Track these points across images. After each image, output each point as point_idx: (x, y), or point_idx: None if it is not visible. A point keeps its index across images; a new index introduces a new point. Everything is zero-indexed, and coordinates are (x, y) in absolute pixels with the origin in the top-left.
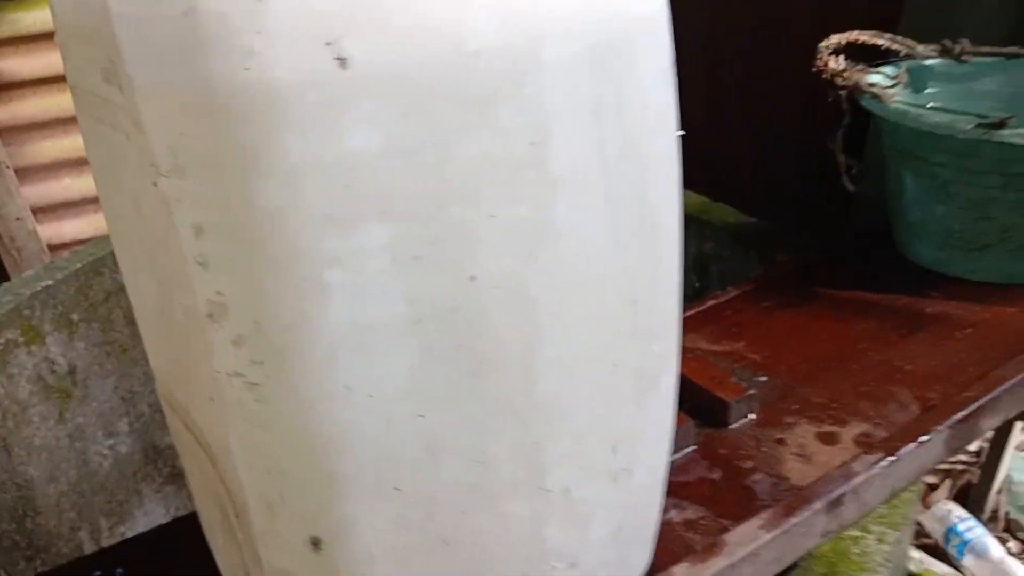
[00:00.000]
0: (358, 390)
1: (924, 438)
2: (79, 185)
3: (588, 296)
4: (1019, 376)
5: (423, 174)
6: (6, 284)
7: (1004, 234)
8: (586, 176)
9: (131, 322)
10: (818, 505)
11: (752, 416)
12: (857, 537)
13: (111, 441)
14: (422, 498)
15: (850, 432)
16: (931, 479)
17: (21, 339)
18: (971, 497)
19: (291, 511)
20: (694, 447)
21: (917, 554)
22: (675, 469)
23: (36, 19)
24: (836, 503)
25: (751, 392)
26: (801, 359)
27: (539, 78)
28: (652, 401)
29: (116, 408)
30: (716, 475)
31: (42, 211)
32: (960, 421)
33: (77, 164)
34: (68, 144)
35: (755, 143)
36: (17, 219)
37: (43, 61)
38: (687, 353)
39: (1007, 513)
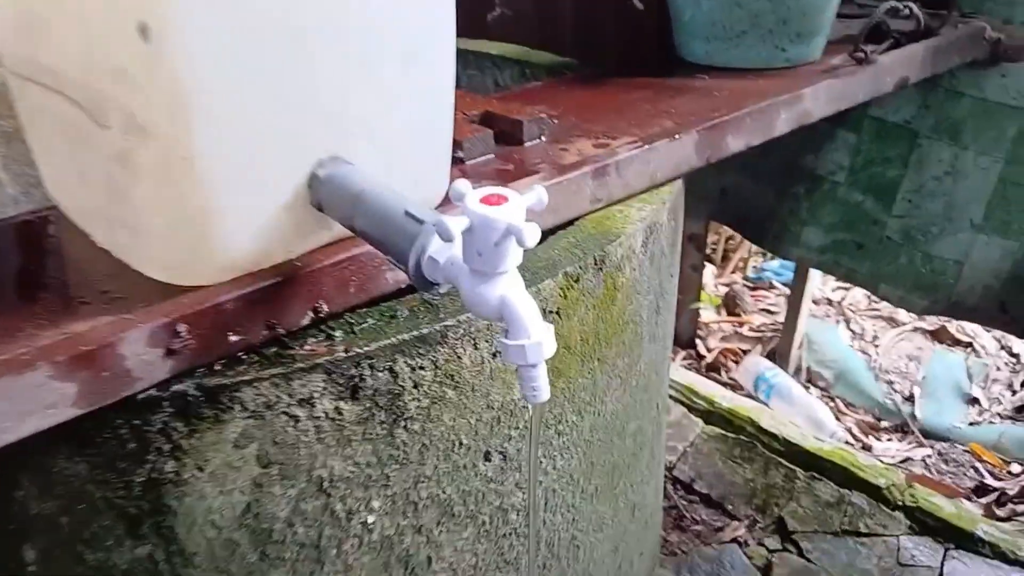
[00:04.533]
0: None
1: (676, 136)
2: None
3: None
4: (757, 107)
5: None
6: None
7: (755, 19)
8: None
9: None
10: (587, 169)
11: (543, 139)
12: (623, 209)
13: None
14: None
15: (619, 142)
16: (744, 346)
17: None
18: (777, 353)
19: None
20: (493, 155)
21: (728, 393)
22: (472, 167)
23: None
24: (602, 172)
25: (541, 116)
26: (588, 112)
27: None
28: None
29: None
30: (508, 167)
31: None
32: (706, 129)
33: None
34: None
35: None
36: None
37: None
38: (498, 108)
39: (808, 367)
